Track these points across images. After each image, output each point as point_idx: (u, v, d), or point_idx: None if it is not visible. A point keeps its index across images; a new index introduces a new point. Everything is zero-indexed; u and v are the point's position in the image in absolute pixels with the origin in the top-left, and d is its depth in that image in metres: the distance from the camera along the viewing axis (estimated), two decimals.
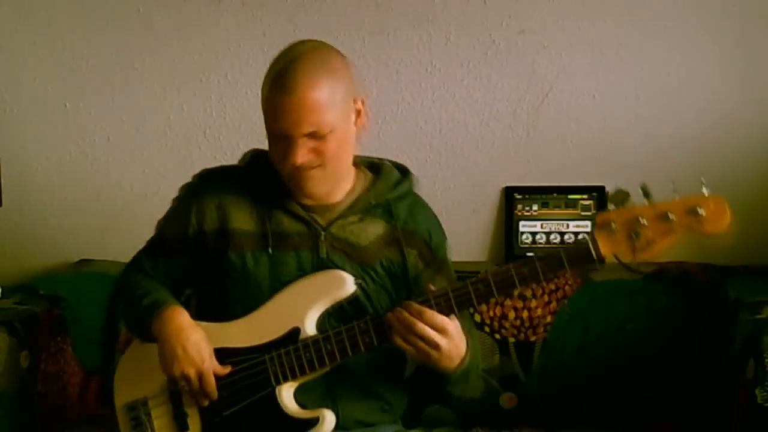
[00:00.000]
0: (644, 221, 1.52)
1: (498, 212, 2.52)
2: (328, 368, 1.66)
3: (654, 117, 2.44)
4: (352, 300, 1.68)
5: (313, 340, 1.65)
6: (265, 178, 1.75)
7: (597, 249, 1.55)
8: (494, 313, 2.24)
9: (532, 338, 2.22)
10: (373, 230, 1.75)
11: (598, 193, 2.44)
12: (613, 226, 1.54)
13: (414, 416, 2.06)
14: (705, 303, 2.16)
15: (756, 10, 2.38)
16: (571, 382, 2.19)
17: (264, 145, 1.72)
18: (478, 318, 2.22)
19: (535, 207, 2.48)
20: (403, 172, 1.82)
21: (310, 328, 1.67)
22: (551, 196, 2.47)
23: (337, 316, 1.69)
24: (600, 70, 2.46)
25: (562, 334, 2.21)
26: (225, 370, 1.67)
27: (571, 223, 2.45)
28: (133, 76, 2.59)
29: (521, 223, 2.48)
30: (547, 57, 2.46)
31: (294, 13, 2.52)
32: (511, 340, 2.23)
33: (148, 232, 1.85)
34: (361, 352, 1.64)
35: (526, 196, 2.48)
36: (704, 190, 1.51)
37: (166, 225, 1.82)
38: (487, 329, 2.23)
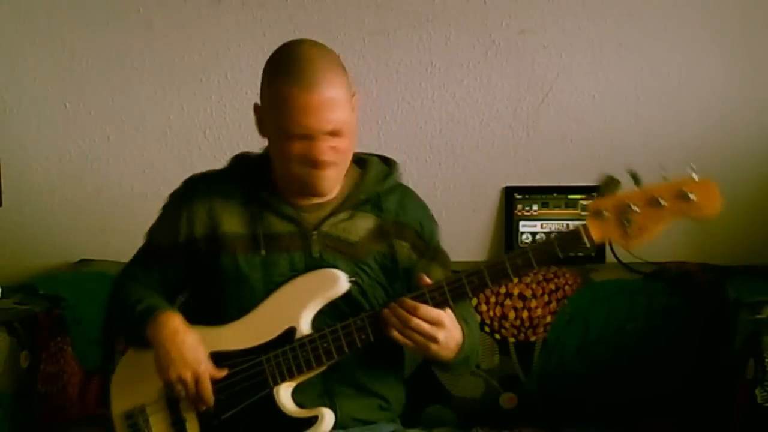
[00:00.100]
0: (636, 208, 1.53)
1: (498, 212, 2.52)
2: (325, 367, 1.66)
3: (654, 117, 2.44)
4: (347, 297, 1.69)
5: (310, 338, 1.65)
6: (253, 180, 1.76)
7: (589, 235, 1.55)
8: (494, 313, 2.24)
9: (532, 338, 2.22)
10: (364, 225, 1.75)
11: (598, 193, 2.43)
12: (605, 213, 1.54)
13: (414, 416, 2.06)
14: (705, 303, 2.16)
15: (756, 10, 2.39)
16: (571, 382, 2.19)
17: (260, 146, 1.72)
18: (478, 318, 2.21)
19: (535, 207, 2.48)
20: (389, 164, 1.82)
21: (305, 327, 1.67)
22: (551, 196, 2.47)
23: (332, 313, 1.68)
24: (600, 70, 2.46)
25: (562, 334, 2.22)
26: (221, 372, 1.67)
27: (571, 223, 2.44)
28: (133, 76, 2.59)
29: (521, 223, 2.48)
30: (547, 57, 2.46)
31: (294, 13, 2.52)
32: (511, 340, 2.23)
33: None
34: (357, 349, 1.64)
35: (526, 196, 2.48)
36: (693, 176, 1.51)
37: (156, 233, 1.82)
38: (487, 329, 2.23)
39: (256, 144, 1.78)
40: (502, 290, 2.25)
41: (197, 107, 2.58)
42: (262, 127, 1.72)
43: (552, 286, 2.24)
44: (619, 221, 1.54)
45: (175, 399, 1.70)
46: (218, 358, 1.68)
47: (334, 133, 1.64)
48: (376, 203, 1.77)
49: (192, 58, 2.57)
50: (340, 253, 1.72)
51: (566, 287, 2.24)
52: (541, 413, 2.20)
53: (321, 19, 2.51)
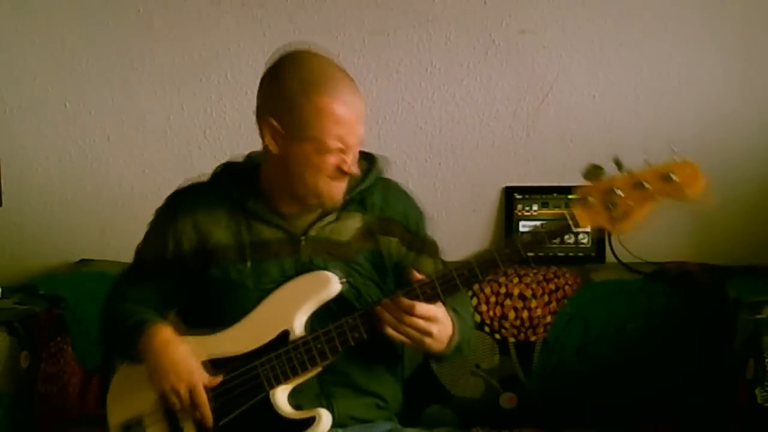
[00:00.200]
0: (620, 192, 1.55)
1: (498, 212, 2.52)
2: (320, 368, 1.66)
3: (654, 117, 2.44)
4: (341, 298, 1.69)
5: (303, 340, 1.65)
6: (239, 190, 1.76)
7: (575, 220, 1.57)
8: (494, 313, 2.24)
9: (532, 338, 2.22)
10: (351, 225, 1.76)
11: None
12: (590, 199, 1.57)
13: (414, 416, 2.06)
14: (705, 303, 2.16)
15: (756, 10, 2.38)
16: (571, 382, 2.19)
17: (260, 146, 1.72)
18: (478, 318, 2.22)
19: (535, 207, 2.48)
20: (369, 159, 1.82)
21: (299, 330, 1.67)
22: (551, 196, 2.47)
23: (328, 316, 1.68)
24: (600, 70, 2.46)
25: (562, 334, 2.21)
26: (216, 380, 1.67)
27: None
28: (133, 76, 2.59)
29: (521, 223, 2.48)
30: (547, 57, 2.46)
31: (294, 13, 2.52)
32: (511, 340, 2.23)
33: None
34: (352, 348, 1.65)
35: (526, 196, 2.48)
36: (675, 158, 1.53)
37: (144, 250, 1.83)
38: (487, 329, 2.23)
39: (257, 144, 1.77)
40: (502, 290, 2.25)
41: (197, 107, 2.58)
42: (278, 143, 1.69)
43: (552, 286, 2.24)
44: (605, 206, 1.56)
45: (172, 409, 1.70)
46: (213, 365, 1.69)
47: (359, 144, 1.69)
48: (361, 201, 1.78)
49: (192, 58, 2.57)
50: (330, 255, 1.73)
51: (566, 287, 2.24)
52: (541, 413, 2.20)
53: (321, 19, 2.51)
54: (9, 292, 2.27)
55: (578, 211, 1.57)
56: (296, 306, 1.67)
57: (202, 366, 1.68)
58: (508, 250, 1.60)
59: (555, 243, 2.41)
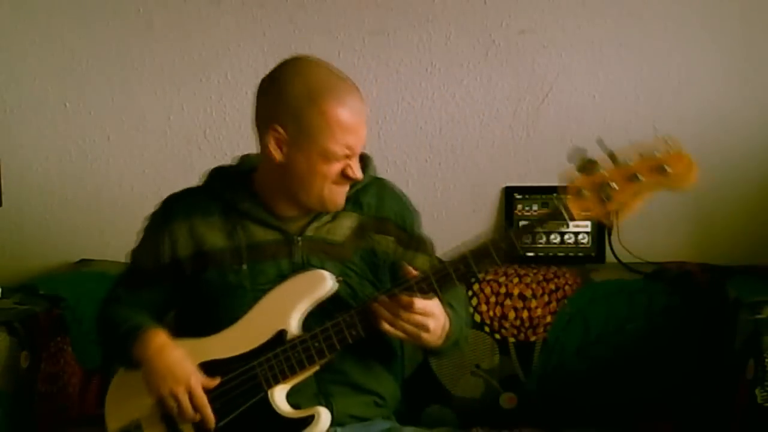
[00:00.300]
0: (615, 185, 1.55)
1: (498, 212, 2.52)
2: (317, 366, 1.66)
3: (654, 117, 2.44)
4: (337, 298, 1.69)
5: (300, 339, 1.65)
6: (232, 193, 1.77)
7: (568, 210, 1.59)
8: (494, 313, 2.24)
9: (532, 338, 2.22)
10: (347, 224, 1.77)
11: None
12: (585, 192, 1.57)
13: (414, 416, 2.06)
14: (705, 303, 2.16)
15: (756, 10, 2.38)
16: (571, 382, 2.19)
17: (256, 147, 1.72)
18: (478, 318, 2.22)
19: (535, 207, 2.48)
20: (362, 159, 1.82)
21: (295, 329, 1.67)
22: (551, 196, 2.46)
23: (322, 315, 1.68)
24: (600, 70, 2.46)
25: (562, 334, 2.21)
26: (213, 382, 1.67)
27: (571, 223, 2.44)
28: (133, 76, 2.59)
29: (521, 223, 2.47)
30: (547, 57, 2.47)
31: (294, 13, 2.52)
32: (511, 340, 2.23)
33: None
34: (349, 346, 1.65)
35: (526, 196, 2.48)
36: (668, 150, 1.54)
37: (139, 256, 1.83)
38: (487, 329, 2.23)
39: (256, 144, 1.77)
40: (502, 290, 2.25)
41: (197, 107, 2.58)
42: (283, 150, 1.68)
43: (552, 286, 2.24)
44: (599, 199, 1.57)
45: (170, 413, 1.70)
46: (210, 367, 1.68)
47: (362, 149, 1.71)
48: (356, 201, 1.78)
49: (192, 58, 2.57)
50: (326, 255, 1.74)
51: (566, 287, 2.24)
52: (541, 413, 2.20)
53: (321, 19, 2.51)
54: (9, 292, 2.26)
55: (572, 204, 1.59)
56: (292, 305, 1.68)
57: (198, 368, 1.68)
58: (502, 243, 1.62)
59: (555, 243, 2.45)
